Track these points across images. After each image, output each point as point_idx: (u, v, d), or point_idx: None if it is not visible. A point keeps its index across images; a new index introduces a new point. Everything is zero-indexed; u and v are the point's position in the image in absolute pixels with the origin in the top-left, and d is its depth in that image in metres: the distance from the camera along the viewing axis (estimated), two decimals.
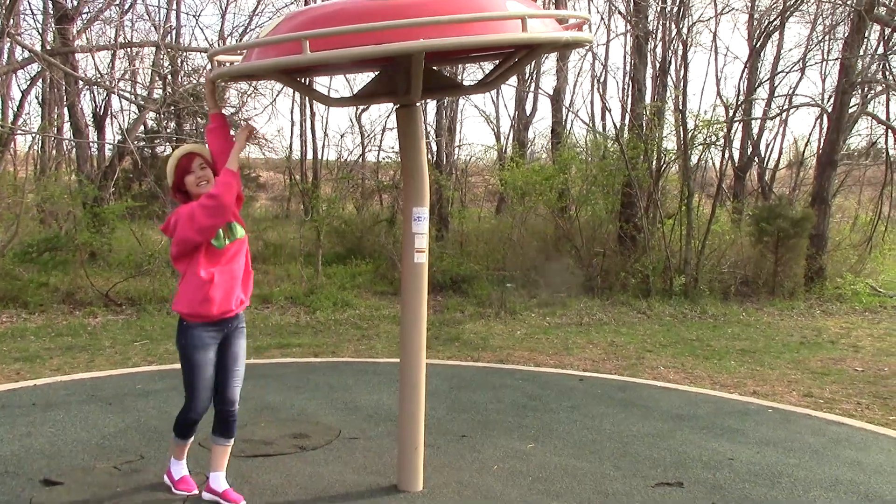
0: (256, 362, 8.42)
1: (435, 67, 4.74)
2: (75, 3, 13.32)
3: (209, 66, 4.39)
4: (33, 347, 8.83)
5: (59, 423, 5.98)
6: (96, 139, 16.20)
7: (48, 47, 13.22)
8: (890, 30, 13.84)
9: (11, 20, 11.36)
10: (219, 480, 4.45)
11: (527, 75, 18.82)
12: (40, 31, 15.31)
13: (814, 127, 19.87)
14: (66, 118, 16.30)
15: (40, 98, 18.24)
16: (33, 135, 17.09)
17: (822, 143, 15.42)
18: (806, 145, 18.61)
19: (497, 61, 4.61)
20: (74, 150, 16.50)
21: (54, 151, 17.57)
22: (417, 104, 4.32)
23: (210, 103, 4.40)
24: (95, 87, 15.40)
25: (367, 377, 7.77)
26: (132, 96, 14.41)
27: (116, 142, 15.65)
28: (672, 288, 12.78)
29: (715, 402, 7.20)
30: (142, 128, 17.56)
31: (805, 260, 13.57)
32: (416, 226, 4.38)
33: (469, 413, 6.62)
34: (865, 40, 14.08)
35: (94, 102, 17.69)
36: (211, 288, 4.17)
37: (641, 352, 9.39)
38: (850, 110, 14.18)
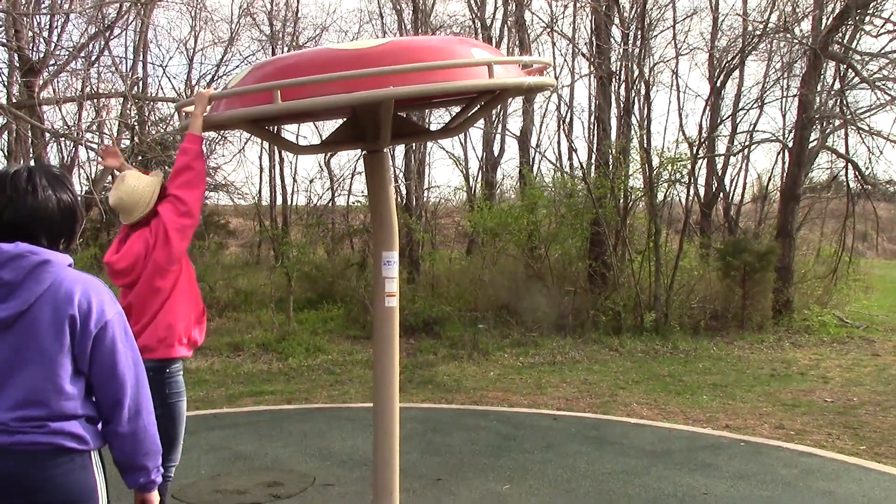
0: (229, 411, 8.36)
1: (402, 113, 4.81)
2: (41, 55, 13.33)
3: (178, 116, 4.24)
4: None
5: None
6: None
7: (14, 100, 13.19)
8: (845, 66, 14.19)
9: None
10: None
11: (493, 117, 19.03)
12: (6, 84, 15.27)
13: (776, 162, 20.19)
14: None
15: (6, 150, 18.15)
16: None
17: (784, 178, 15.69)
18: (769, 180, 18.93)
19: (463, 106, 4.69)
20: None
21: None
22: (385, 150, 4.38)
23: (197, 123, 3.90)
24: (62, 138, 15.37)
25: (340, 423, 7.74)
26: (99, 147, 14.37)
27: (83, 193, 15.57)
28: (643, 324, 12.87)
29: (688, 437, 7.25)
30: (109, 178, 17.47)
31: (772, 293, 13.73)
32: (386, 270, 4.41)
33: (444, 456, 6.60)
34: (822, 77, 14.42)
35: (62, 154, 17.64)
36: (203, 309, 3.98)
37: (614, 389, 9.43)
38: (810, 145, 14.48)
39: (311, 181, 28.56)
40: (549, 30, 17.74)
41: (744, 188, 19.01)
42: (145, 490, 2.54)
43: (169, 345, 3.79)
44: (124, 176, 3.89)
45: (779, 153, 17.49)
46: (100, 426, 2.42)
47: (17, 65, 13.61)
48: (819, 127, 14.75)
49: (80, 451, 2.34)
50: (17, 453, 2.26)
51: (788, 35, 14.25)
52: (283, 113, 3.63)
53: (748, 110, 17.77)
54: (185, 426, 3.97)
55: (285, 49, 19.35)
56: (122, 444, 2.43)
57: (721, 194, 17.65)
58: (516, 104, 19.03)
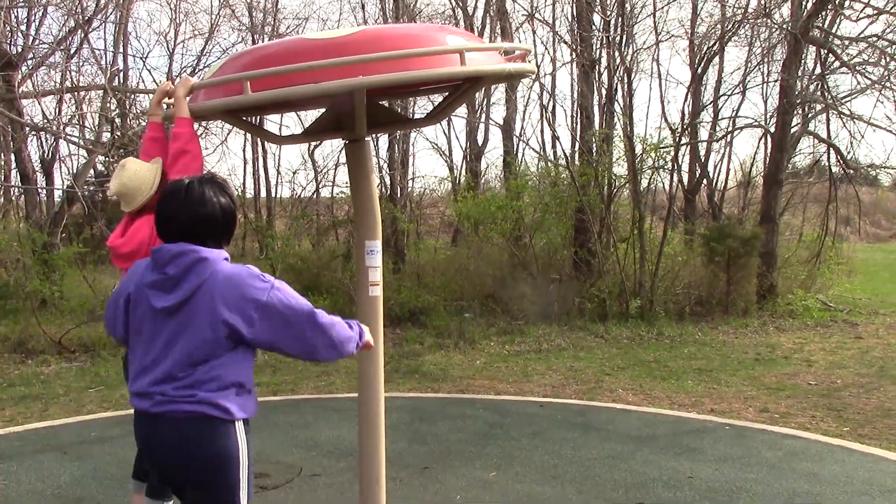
0: None
1: (384, 102, 4.79)
2: (19, 49, 13.21)
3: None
4: None
5: (12, 475, 5.87)
6: (44, 185, 16.01)
7: None
8: (826, 51, 14.24)
9: None
10: None
11: (477, 106, 19.00)
12: None
13: (758, 147, 20.26)
14: (13, 165, 16.08)
15: None
16: None
17: (767, 163, 15.75)
18: (752, 165, 18.96)
19: (446, 94, 4.68)
20: (22, 196, 16.25)
21: (1, 199, 17.34)
22: (366, 139, 4.36)
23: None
24: (42, 132, 15.25)
25: (327, 413, 7.73)
26: (80, 141, 14.29)
27: (65, 187, 15.47)
28: (628, 311, 12.91)
29: (673, 422, 7.29)
30: (91, 172, 17.34)
31: (756, 278, 13.79)
32: (369, 259, 4.40)
33: (430, 444, 6.61)
34: (802, 62, 14.46)
35: (42, 148, 17.48)
36: None
37: (600, 375, 9.46)
38: (792, 130, 14.54)
39: (294, 172, 28.45)
40: (530, 18, 17.71)
41: (727, 174, 19.03)
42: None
43: None
44: (125, 163, 3.90)
45: (761, 139, 17.56)
46: (251, 396, 2.89)
47: None
48: (801, 112, 14.81)
49: (225, 420, 2.78)
50: (172, 420, 2.73)
51: (768, 20, 14.28)
52: (254, 104, 3.60)
53: (730, 96, 17.83)
54: None
55: (265, 39, 19.24)
56: (333, 357, 2.98)
57: (704, 180, 17.69)
58: (499, 93, 19.02)
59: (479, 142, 20.12)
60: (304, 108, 5.78)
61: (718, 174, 18.48)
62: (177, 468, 2.81)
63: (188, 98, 3.87)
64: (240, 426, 2.85)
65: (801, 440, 6.66)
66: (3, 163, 16.63)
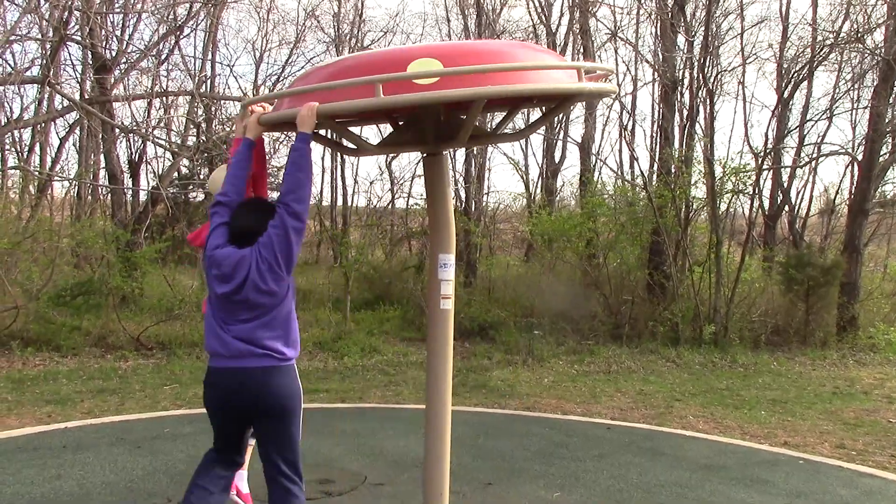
0: None
1: (462, 116, 4.81)
2: (113, 53, 13.67)
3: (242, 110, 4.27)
4: (65, 390, 8.93)
5: (88, 466, 6.04)
6: (131, 185, 16.52)
7: (86, 96, 13.56)
8: None
9: (52, 70, 11.68)
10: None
11: (555, 123, 18.94)
12: (79, 81, 15.72)
13: (844, 175, 19.69)
14: (102, 165, 16.63)
15: (77, 145, 18.65)
16: (70, 181, 17.46)
17: (852, 192, 15.31)
18: (837, 193, 18.47)
19: (526, 111, 4.68)
20: (109, 195, 16.79)
21: (90, 197, 17.93)
22: (444, 152, 4.38)
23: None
24: (131, 134, 15.74)
25: (393, 423, 7.77)
26: (167, 144, 14.69)
27: (150, 188, 15.93)
28: (702, 336, 12.66)
29: (744, 453, 7.12)
30: (175, 174, 17.83)
31: (837, 309, 13.40)
32: (442, 272, 4.41)
33: (495, 460, 6.58)
34: (894, 89, 14.04)
35: (130, 149, 18.05)
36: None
37: (670, 401, 9.30)
38: (881, 159, 14.11)
39: (371, 182, 28.76)
40: (613, 37, 17.60)
41: (810, 201, 18.54)
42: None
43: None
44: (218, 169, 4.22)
45: (847, 166, 17.09)
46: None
47: (91, 62, 14.00)
48: (890, 140, 14.37)
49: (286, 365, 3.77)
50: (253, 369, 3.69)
51: (860, 45, 13.91)
52: (384, 107, 3.61)
53: (816, 122, 17.36)
54: None
55: (349, 51, 19.52)
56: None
57: (786, 206, 17.26)
58: (578, 111, 18.93)
59: (557, 159, 20.06)
60: (382, 120, 5.83)
61: (801, 201, 18.03)
62: None
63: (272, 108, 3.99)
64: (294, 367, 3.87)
65: (879, 479, 6.43)
66: (93, 162, 17.21)
